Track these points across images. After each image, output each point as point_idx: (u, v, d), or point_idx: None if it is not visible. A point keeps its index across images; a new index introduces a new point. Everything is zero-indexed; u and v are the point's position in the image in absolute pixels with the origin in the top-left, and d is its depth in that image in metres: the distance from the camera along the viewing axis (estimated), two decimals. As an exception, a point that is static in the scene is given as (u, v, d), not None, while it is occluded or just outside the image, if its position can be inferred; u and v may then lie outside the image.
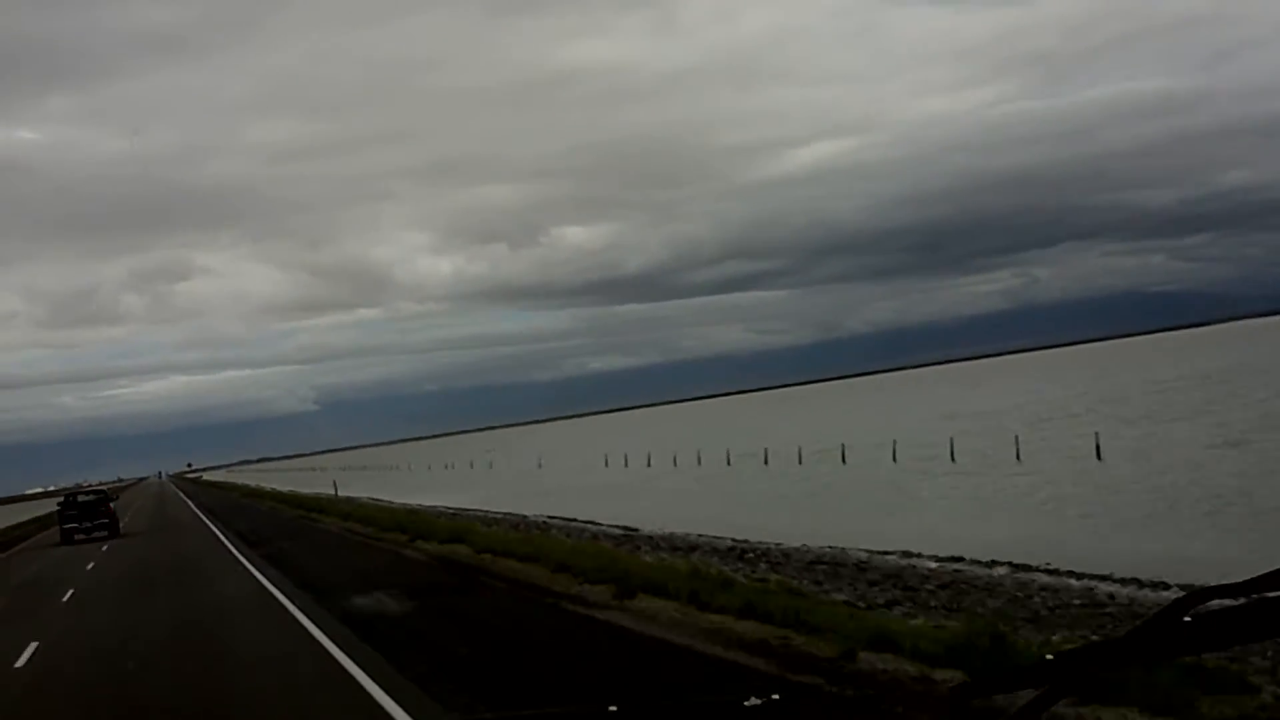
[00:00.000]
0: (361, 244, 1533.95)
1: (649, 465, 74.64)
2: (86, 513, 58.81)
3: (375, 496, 69.48)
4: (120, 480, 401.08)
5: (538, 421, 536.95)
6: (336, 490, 76.88)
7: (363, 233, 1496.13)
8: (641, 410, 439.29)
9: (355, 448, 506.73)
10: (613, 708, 2.70)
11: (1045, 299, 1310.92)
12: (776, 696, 2.75)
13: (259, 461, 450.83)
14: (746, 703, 2.68)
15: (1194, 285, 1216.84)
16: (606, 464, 78.78)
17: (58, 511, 59.71)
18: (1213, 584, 2.43)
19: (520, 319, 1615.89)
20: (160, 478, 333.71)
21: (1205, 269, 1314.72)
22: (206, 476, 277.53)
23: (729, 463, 66.53)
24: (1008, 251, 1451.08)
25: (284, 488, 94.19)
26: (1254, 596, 2.27)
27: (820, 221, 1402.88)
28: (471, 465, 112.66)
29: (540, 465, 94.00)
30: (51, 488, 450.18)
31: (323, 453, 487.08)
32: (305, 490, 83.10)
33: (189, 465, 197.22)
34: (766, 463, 63.28)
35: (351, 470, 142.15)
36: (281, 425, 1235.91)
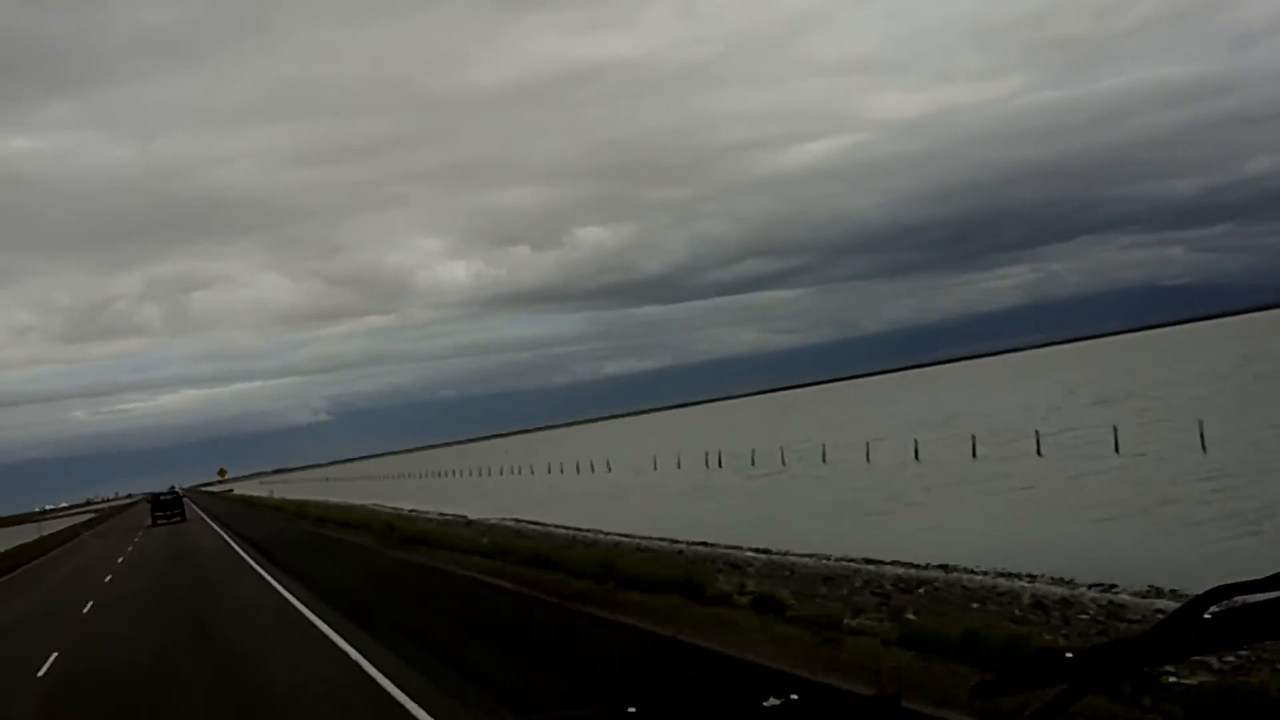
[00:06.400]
0: (375, 251, 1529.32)
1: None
2: (167, 507, 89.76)
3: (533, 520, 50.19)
4: (129, 498, 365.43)
5: (554, 427, 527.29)
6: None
7: (377, 239, 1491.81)
8: (664, 412, 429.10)
9: (371, 457, 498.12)
10: (631, 709, 2.65)
11: (1061, 294, 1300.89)
12: (795, 697, 2.69)
13: (275, 473, 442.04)
14: (765, 703, 2.65)
15: (1210, 277, 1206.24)
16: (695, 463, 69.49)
17: (150, 505, 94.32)
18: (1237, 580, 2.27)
19: (535, 323, 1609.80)
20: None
21: (1222, 259, 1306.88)
22: (238, 490, 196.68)
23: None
24: (1025, 246, 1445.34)
25: (406, 506, 72.98)
26: (1277, 593, 2.22)
27: (840, 218, 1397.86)
28: (556, 469, 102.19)
29: (639, 472, 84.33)
30: (64, 504, 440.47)
31: (339, 462, 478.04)
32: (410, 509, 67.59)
33: (222, 473, 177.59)
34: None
35: (408, 479, 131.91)
36: (295, 436, 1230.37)
